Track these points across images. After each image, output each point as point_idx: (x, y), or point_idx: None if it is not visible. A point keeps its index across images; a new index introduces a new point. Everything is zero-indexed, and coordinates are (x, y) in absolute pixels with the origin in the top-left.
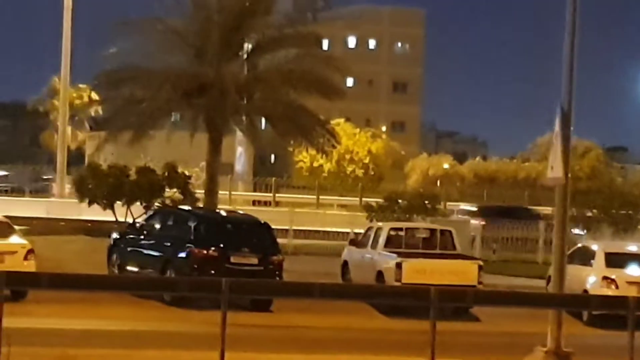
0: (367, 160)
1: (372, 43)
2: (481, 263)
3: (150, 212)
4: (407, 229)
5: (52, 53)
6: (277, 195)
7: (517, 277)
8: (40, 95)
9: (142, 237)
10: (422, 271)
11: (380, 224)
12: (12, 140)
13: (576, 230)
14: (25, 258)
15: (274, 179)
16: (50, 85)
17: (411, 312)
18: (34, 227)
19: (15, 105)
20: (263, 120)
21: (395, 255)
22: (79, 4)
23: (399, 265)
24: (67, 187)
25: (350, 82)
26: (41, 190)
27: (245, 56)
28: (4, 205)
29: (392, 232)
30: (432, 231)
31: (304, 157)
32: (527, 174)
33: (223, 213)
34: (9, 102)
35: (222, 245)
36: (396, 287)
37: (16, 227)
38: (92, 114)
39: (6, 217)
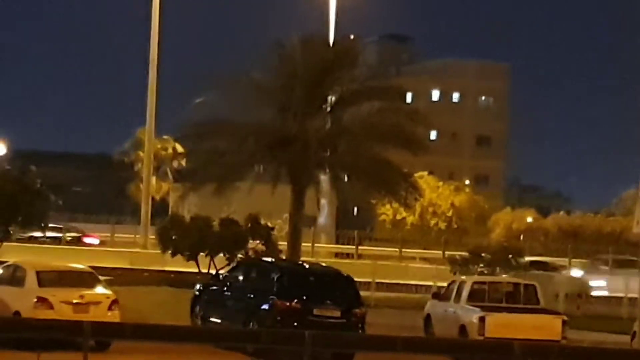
0: (450, 214)
1: (455, 96)
2: (565, 318)
3: (234, 264)
4: (490, 282)
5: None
6: (359, 247)
7: (601, 332)
8: (125, 147)
9: (225, 288)
10: (506, 326)
11: (463, 277)
12: (97, 191)
13: None
14: (110, 308)
15: (356, 231)
16: (136, 137)
17: None
18: (118, 277)
19: (101, 157)
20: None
21: (478, 309)
22: (164, 57)
23: (482, 319)
24: (151, 238)
25: (433, 135)
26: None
27: (328, 109)
28: (90, 256)
29: (476, 286)
30: (516, 285)
31: (387, 209)
32: (612, 229)
33: (306, 265)
34: (94, 153)
35: (305, 298)
36: (479, 341)
37: (101, 277)
38: (176, 165)
39: (91, 267)
